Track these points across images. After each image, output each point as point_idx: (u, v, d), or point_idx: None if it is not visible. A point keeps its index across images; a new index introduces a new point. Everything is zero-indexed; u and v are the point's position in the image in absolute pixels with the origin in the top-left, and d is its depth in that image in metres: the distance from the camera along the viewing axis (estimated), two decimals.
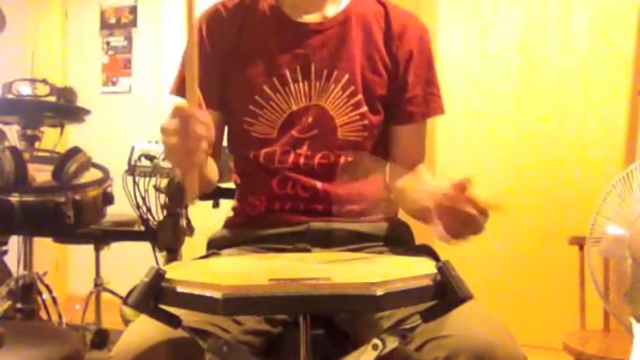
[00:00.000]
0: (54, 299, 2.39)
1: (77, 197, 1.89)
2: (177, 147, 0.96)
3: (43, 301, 2.30)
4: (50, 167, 1.97)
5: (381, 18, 1.33)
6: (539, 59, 3.02)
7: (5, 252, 2.48)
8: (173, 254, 2.18)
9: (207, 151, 0.98)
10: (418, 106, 1.33)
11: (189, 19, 1.00)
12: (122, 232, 2.50)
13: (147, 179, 2.23)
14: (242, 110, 1.29)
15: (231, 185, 1.45)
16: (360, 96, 1.28)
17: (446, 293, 0.81)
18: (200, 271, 0.96)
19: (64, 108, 2.38)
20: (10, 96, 2.36)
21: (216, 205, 2.06)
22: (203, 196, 1.52)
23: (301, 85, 1.28)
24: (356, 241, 1.26)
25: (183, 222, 2.17)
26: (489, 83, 3.12)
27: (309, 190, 1.27)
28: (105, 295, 2.75)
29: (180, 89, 1.36)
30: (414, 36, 1.32)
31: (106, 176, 2.07)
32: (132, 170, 2.23)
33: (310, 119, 1.27)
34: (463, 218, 0.98)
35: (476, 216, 0.97)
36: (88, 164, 2.03)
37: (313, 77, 1.28)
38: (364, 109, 1.28)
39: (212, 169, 1.27)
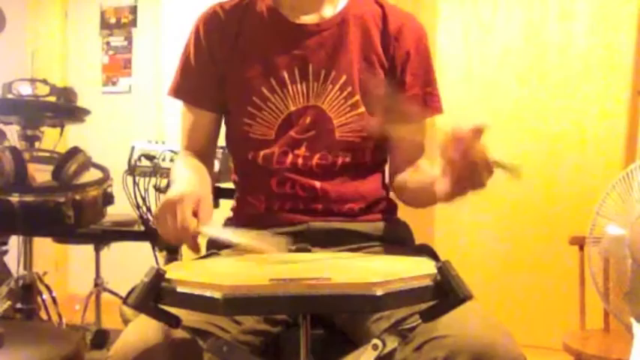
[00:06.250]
0: (54, 299, 2.39)
1: (77, 197, 1.89)
2: (170, 235, 1.04)
3: (43, 301, 2.30)
4: (50, 167, 1.97)
5: (378, 18, 1.33)
6: (539, 59, 3.02)
7: (5, 252, 2.48)
8: (173, 254, 2.18)
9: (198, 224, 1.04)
10: (417, 106, 1.33)
11: None
12: (122, 232, 2.49)
13: (147, 179, 2.23)
14: (240, 111, 1.29)
15: (230, 185, 1.45)
16: (357, 97, 1.28)
17: (446, 293, 0.80)
18: (200, 271, 0.96)
19: (64, 108, 2.38)
20: (10, 96, 2.36)
21: (215, 205, 2.05)
22: None
23: (299, 86, 1.28)
24: (356, 241, 1.26)
25: None
26: (489, 83, 3.12)
27: (308, 190, 1.27)
28: (105, 295, 2.75)
29: (178, 90, 1.36)
30: (411, 37, 1.32)
31: (106, 176, 2.07)
32: (132, 170, 2.23)
33: (308, 120, 1.27)
34: (468, 165, 0.96)
35: (480, 166, 0.96)
36: (88, 164, 2.03)
37: (311, 78, 1.28)
38: (362, 109, 1.28)
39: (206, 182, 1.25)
